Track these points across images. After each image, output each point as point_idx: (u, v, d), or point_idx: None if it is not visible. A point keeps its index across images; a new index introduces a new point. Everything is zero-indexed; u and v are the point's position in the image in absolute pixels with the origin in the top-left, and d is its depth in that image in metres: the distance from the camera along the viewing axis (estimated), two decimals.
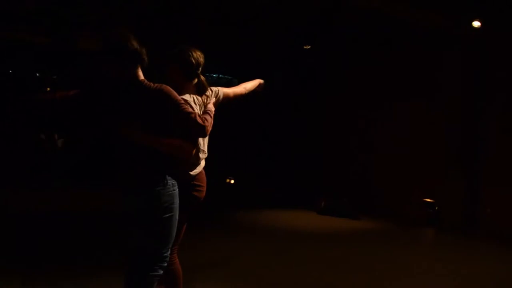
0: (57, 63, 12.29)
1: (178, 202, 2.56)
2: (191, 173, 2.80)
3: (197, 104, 2.88)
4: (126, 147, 2.50)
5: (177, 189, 2.55)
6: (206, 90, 2.97)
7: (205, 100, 2.94)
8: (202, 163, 2.94)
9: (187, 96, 2.85)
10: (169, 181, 2.50)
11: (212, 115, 2.69)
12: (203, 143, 2.89)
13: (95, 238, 5.96)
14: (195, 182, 2.82)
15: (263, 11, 8.53)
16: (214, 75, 13.34)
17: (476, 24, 7.44)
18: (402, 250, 6.13)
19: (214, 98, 2.99)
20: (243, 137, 12.22)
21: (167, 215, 2.50)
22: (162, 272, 2.52)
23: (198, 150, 2.82)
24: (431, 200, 8.12)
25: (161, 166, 2.49)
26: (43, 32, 9.45)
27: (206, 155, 2.95)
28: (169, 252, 2.55)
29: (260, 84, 3.42)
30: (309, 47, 10.18)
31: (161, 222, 2.48)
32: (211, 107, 2.78)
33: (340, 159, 10.49)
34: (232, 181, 12.30)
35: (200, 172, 2.91)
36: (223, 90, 3.15)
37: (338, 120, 10.73)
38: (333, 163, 10.60)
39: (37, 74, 13.07)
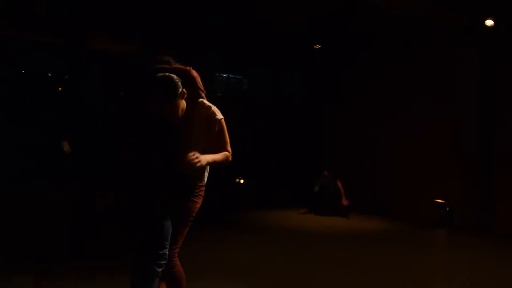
0: (69, 63, 12.44)
1: (176, 204, 2.64)
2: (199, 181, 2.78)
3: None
4: (131, 148, 2.56)
5: (176, 192, 2.60)
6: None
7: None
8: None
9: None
10: (166, 183, 2.55)
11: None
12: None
13: (96, 238, 6.00)
14: (199, 184, 2.80)
15: (275, 10, 8.53)
16: (224, 75, 13.38)
17: (489, 23, 7.33)
18: (412, 251, 6.06)
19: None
20: (254, 136, 12.22)
21: (163, 216, 2.58)
22: (160, 270, 2.57)
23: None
24: (442, 201, 8.04)
25: (161, 169, 2.54)
26: (55, 33, 9.56)
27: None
28: (166, 250, 2.58)
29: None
30: (319, 46, 10.15)
31: (157, 222, 2.57)
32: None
33: (350, 160, 10.44)
34: (242, 181, 12.32)
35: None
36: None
37: (351, 121, 10.67)
38: (346, 163, 10.54)
39: (49, 74, 13.23)
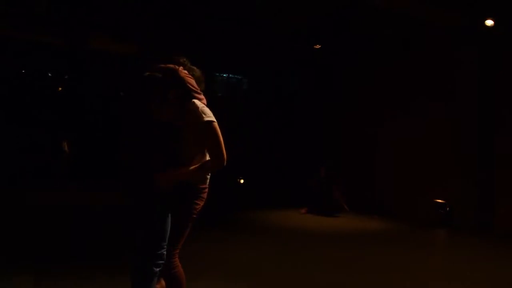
0: (69, 63, 12.44)
1: (177, 205, 2.64)
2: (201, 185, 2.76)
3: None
4: (131, 148, 2.56)
5: (178, 194, 2.60)
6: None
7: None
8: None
9: None
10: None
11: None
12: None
13: (96, 238, 6.01)
14: (201, 187, 2.78)
15: (275, 10, 8.53)
16: (224, 75, 13.38)
17: (489, 23, 7.33)
18: (412, 251, 6.07)
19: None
20: (254, 136, 12.22)
21: (163, 216, 2.59)
22: (158, 270, 2.58)
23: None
24: (442, 201, 8.05)
25: (161, 169, 2.54)
26: (55, 33, 9.57)
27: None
28: (164, 250, 2.58)
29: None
30: (319, 46, 10.15)
31: (157, 222, 2.58)
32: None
33: (350, 160, 10.44)
34: (242, 181, 12.33)
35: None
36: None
37: (351, 121, 10.67)
38: (346, 164, 10.55)
39: (49, 74, 13.23)
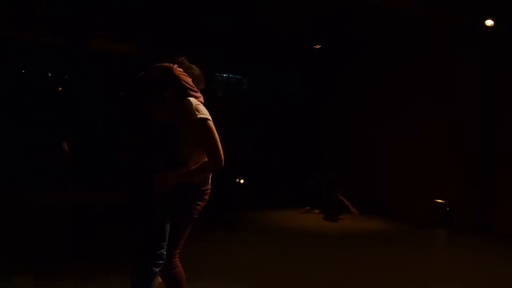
0: (69, 63, 12.44)
1: (178, 205, 2.63)
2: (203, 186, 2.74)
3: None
4: (131, 148, 2.55)
5: (176, 193, 2.59)
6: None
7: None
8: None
9: None
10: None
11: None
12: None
13: (96, 238, 6.02)
14: (202, 188, 2.77)
15: (275, 10, 8.53)
16: (224, 75, 13.38)
17: (489, 23, 7.32)
18: (412, 251, 6.07)
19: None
20: (254, 136, 12.22)
21: (163, 216, 2.58)
22: (158, 270, 2.57)
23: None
24: (442, 201, 8.05)
25: (161, 169, 2.53)
26: (55, 33, 9.57)
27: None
28: (164, 250, 2.57)
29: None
30: (319, 46, 10.15)
31: (157, 223, 2.58)
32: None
33: (350, 160, 10.44)
34: (242, 181, 12.33)
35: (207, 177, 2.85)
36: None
37: (351, 121, 10.67)
38: (347, 164, 10.54)
39: (49, 74, 13.23)
